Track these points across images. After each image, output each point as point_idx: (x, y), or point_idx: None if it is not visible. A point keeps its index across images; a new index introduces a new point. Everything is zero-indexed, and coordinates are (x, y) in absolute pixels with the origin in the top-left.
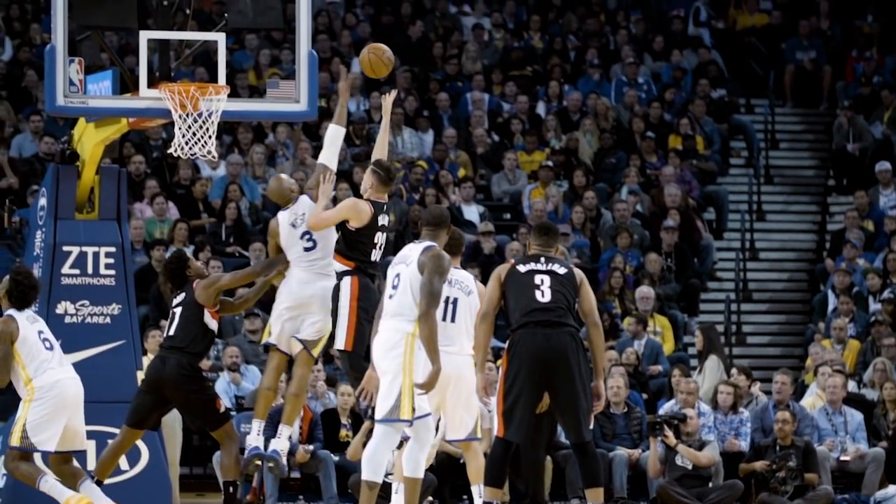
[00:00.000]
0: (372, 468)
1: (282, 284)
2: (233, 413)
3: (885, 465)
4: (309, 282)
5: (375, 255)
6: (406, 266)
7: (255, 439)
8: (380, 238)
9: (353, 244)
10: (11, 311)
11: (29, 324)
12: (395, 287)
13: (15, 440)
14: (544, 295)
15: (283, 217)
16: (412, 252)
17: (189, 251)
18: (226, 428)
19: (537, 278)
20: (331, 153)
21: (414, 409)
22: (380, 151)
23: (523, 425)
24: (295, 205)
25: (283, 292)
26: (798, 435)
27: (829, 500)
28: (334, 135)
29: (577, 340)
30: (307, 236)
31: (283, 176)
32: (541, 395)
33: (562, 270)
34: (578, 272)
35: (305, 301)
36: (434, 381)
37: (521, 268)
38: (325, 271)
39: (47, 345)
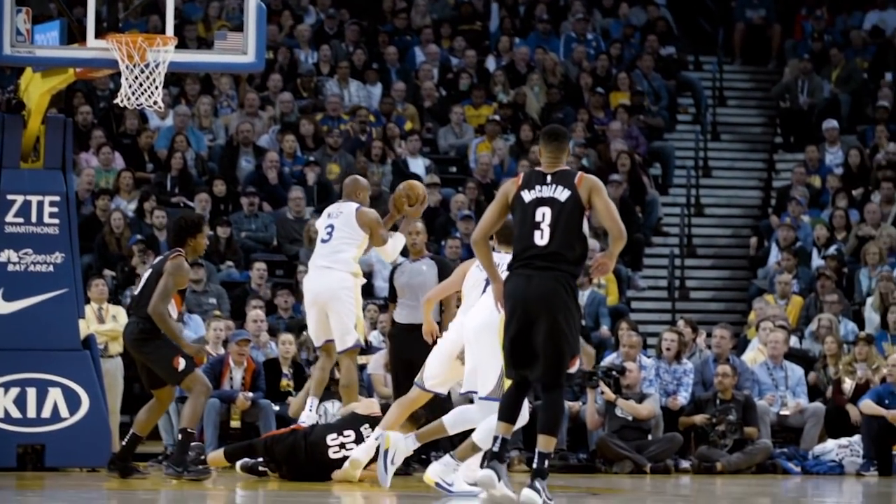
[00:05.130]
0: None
1: None
2: None
3: (825, 421)
4: None
5: None
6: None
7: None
8: None
9: None
10: None
11: None
12: None
13: None
14: (543, 236)
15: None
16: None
17: (135, 201)
18: (185, 383)
19: (539, 213)
20: None
21: None
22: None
23: (516, 363)
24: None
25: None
26: (738, 389)
27: (767, 454)
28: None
29: (563, 284)
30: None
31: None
32: (526, 334)
33: (564, 196)
34: (586, 187)
35: None
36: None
37: (526, 195)
38: None
39: None
